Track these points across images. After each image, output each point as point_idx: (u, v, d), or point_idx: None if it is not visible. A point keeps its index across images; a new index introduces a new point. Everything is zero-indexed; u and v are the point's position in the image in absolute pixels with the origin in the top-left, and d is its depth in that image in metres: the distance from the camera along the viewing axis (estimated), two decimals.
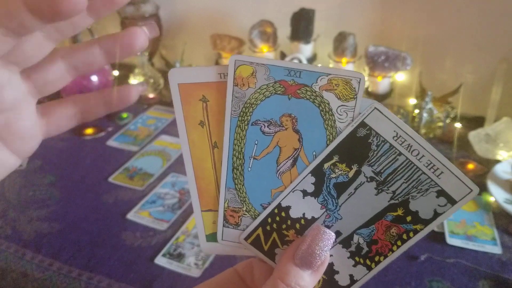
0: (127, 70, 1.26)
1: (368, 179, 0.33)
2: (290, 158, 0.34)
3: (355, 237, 0.33)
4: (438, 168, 0.31)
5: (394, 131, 0.32)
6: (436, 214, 0.32)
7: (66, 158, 1.00)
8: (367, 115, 0.32)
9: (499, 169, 0.87)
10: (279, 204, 0.34)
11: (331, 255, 0.34)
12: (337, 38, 1.06)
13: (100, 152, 1.02)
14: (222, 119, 0.34)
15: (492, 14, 1.01)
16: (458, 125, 1.01)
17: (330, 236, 0.31)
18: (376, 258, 0.33)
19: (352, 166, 0.33)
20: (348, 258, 0.34)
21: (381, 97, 1.06)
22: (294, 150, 0.34)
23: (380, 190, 0.32)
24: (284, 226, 0.34)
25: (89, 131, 1.09)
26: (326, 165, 0.33)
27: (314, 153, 0.33)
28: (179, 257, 0.74)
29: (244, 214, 0.35)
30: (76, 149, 1.03)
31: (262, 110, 0.34)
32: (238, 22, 1.23)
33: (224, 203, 0.36)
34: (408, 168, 0.32)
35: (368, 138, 0.32)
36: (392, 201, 0.32)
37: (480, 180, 0.88)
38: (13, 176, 0.94)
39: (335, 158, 0.33)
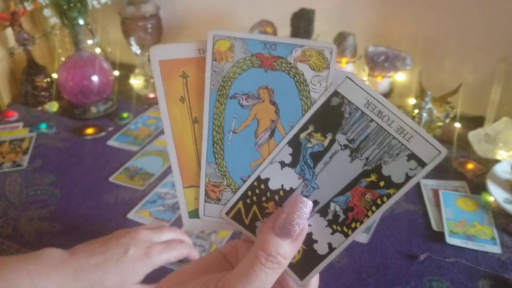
0: (127, 70, 1.27)
1: (342, 147, 0.33)
2: (268, 130, 0.35)
3: (332, 205, 0.34)
4: (407, 133, 0.32)
5: (365, 98, 0.33)
6: (408, 178, 0.32)
7: (67, 158, 1.00)
8: (340, 84, 0.33)
9: (498, 169, 0.87)
10: (258, 176, 0.35)
11: (309, 225, 0.35)
12: (337, 38, 1.06)
13: (100, 152, 1.02)
14: (202, 94, 0.35)
15: (492, 14, 1.01)
16: (457, 125, 1.01)
17: (307, 204, 0.32)
18: (353, 225, 0.34)
19: (327, 135, 0.34)
20: (326, 226, 0.34)
21: None
22: (271, 122, 0.34)
23: (354, 157, 0.33)
24: (263, 198, 0.35)
25: (89, 131, 1.09)
26: (302, 135, 0.34)
27: (290, 124, 0.34)
28: None
29: (225, 189, 0.36)
30: (76, 149, 1.04)
31: (240, 84, 0.34)
32: (238, 22, 1.23)
33: (205, 178, 0.36)
34: (379, 134, 0.33)
35: (341, 106, 0.33)
36: (366, 167, 0.33)
37: (480, 180, 0.88)
38: (14, 175, 0.95)
39: (311, 128, 0.34)
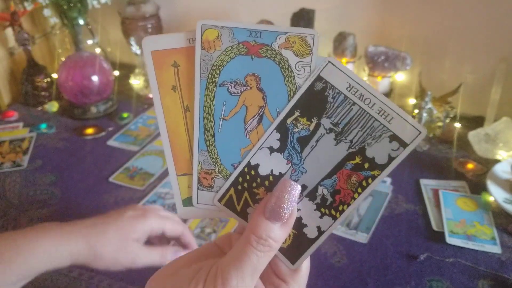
0: (127, 70, 1.27)
1: (328, 131, 0.34)
2: (256, 116, 0.35)
3: (320, 189, 0.35)
4: (388, 114, 0.33)
5: (347, 82, 0.34)
6: (391, 159, 0.33)
7: (67, 158, 1.00)
8: (322, 69, 0.34)
9: (498, 169, 0.87)
10: (249, 162, 0.36)
11: (299, 209, 0.35)
12: (337, 38, 1.06)
13: (100, 152, 1.02)
14: (193, 82, 0.36)
15: (492, 14, 1.01)
16: (457, 125, 1.01)
17: (296, 188, 0.33)
18: (340, 207, 0.35)
19: (312, 119, 0.34)
20: (315, 210, 0.35)
21: None
22: (259, 108, 0.35)
23: (338, 141, 0.34)
24: (254, 184, 0.36)
25: (89, 131, 1.09)
26: (289, 121, 0.35)
27: (277, 110, 0.35)
28: None
29: (217, 176, 0.37)
30: (76, 149, 1.04)
31: (228, 71, 0.35)
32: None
33: (198, 165, 0.37)
34: (362, 117, 0.34)
35: (324, 91, 0.34)
36: (350, 150, 0.34)
37: (480, 180, 0.88)
38: (14, 175, 0.95)
39: (297, 113, 0.35)
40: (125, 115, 1.14)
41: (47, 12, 1.10)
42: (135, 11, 1.19)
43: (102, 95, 1.15)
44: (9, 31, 1.21)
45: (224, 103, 0.36)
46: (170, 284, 0.34)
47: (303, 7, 1.06)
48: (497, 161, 0.92)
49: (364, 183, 0.34)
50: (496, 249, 0.73)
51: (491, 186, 0.83)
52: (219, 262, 0.33)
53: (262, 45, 0.35)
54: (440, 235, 0.76)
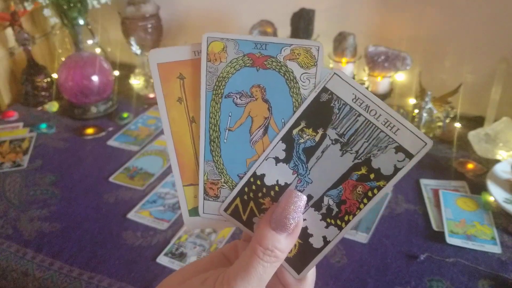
0: (127, 70, 1.27)
1: (333, 142, 0.35)
2: (262, 127, 0.36)
3: (325, 199, 0.35)
4: (394, 125, 0.33)
5: (353, 93, 0.34)
6: (396, 169, 0.33)
7: (67, 158, 1.00)
8: (328, 81, 0.34)
9: (498, 169, 0.87)
10: (254, 173, 0.36)
11: (304, 219, 0.35)
12: (337, 38, 1.06)
13: (100, 152, 1.02)
14: (199, 94, 0.36)
15: (492, 15, 1.01)
16: (457, 125, 1.01)
17: (302, 198, 0.33)
18: (346, 218, 0.35)
19: (318, 130, 0.35)
20: (320, 220, 0.35)
21: (381, 97, 1.06)
22: (264, 119, 0.36)
23: (344, 151, 0.34)
24: (260, 194, 0.36)
25: (89, 131, 1.09)
26: (294, 131, 0.35)
27: (283, 121, 0.36)
28: (181, 256, 0.74)
29: (223, 186, 0.37)
30: (76, 149, 1.04)
31: (234, 83, 0.36)
32: (238, 22, 1.23)
33: (204, 176, 0.37)
34: (367, 128, 0.34)
35: (330, 102, 0.34)
36: (356, 161, 0.34)
37: (480, 180, 0.88)
38: (14, 175, 0.95)
39: (302, 124, 0.35)
40: (125, 115, 1.14)
41: (47, 12, 1.10)
42: (135, 11, 1.19)
43: (102, 95, 1.15)
44: (9, 31, 1.21)
45: (230, 114, 0.36)
46: None
47: (303, 7, 1.06)
48: (497, 161, 0.92)
49: (370, 194, 0.34)
50: (496, 249, 0.73)
51: (491, 186, 0.83)
52: (226, 272, 0.33)
53: (267, 57, 0.35)
54: (440, 235, 0.76)
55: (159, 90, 0.36)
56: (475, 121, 1.03)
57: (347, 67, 1.06)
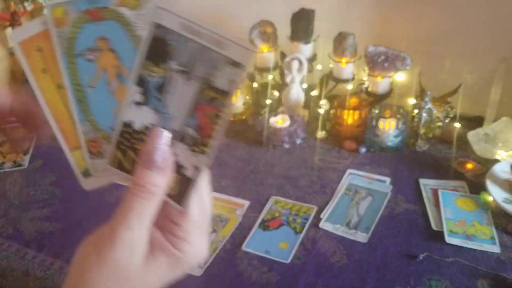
0: None
1: (177, 73, 0.36)
2: (116, 76, 0.38)
3: (186, 129, 0.36)
4: (221, 42, 0.35)
5: (180, 22, 0.35)
6: (233, 83, 0.35)
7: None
8: (154, 16, 0.36)
9: (498, 169, 0.87)
10: (123, 121, 0.37)
11: (177, 155, 0.37)
12: (337, 38, 1.06)
13: None
14: (58, 61, 0.38)
15: (492, 15, 1.01)
16: (457, 125, 1.01)
17: (162, 134, 0.35)
18: (206, 142, 0.36)
19: (162, 66, 0.36)
20: (188, 150, 0.37)
21: (381, 97, 1.06)
22: (116, 68, 0.37)
23: (188, 79, 0.36)
24: (133, 141, 0.38)
25: None
26: (143, 72, 0.36)
27: (131, 65, 0.37)
28: None
29: (103, 142, 0.39)
30: None
31: (81, 41, 0.37)
32: (238, 22, 1.23)
33: (84, 136, 0.39)
34: (201, 52, 0.35)
35: (164, 35, 0.35)
36: (201, 85, 0.36)
37: (479, 180, 0.88)
38: (15, 175, 0.95)
39: (147, 63, 0.36)
40: None
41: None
42: None
43: None
44: (9, 31, 1.22)
45: (87, 72, 0.38)
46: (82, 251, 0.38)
47: (303, 7, 1.06)
48: (497, 161, 0.92)
49: (218, 113, 0.35)
50: (495, 248, 0.73)
51: (490, 186, 0.84)
52: (108, 223, 0.36)
53: (101, 9, 0.37)
54: (440, 235, 0.76)
55: (25, 66, 0.38)
56: (475, 121, 1.03)
57: (347, 67, 1.06)
